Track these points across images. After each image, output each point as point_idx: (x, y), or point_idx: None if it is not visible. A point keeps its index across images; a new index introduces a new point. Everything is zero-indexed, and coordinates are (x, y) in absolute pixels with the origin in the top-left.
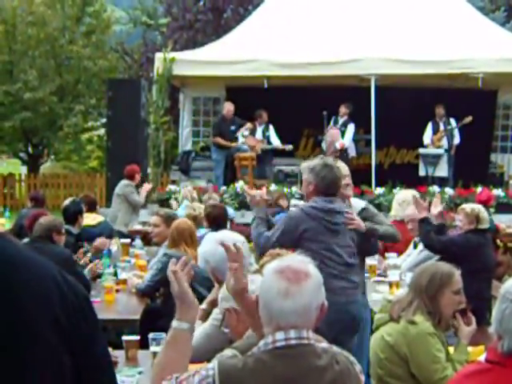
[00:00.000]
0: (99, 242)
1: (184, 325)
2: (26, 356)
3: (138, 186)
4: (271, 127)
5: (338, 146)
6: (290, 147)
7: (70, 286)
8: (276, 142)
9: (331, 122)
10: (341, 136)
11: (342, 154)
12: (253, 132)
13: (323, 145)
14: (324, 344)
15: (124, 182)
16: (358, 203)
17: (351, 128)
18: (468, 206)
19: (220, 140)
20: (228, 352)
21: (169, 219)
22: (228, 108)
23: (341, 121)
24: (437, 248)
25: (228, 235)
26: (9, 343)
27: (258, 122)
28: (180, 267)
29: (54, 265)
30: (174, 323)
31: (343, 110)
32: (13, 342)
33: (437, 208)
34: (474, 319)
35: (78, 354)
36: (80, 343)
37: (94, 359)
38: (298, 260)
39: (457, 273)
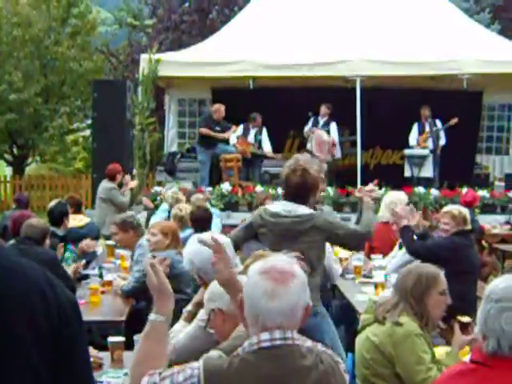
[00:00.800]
0: (85, 243)
1: (161, 317)
2: (3, 370)
3: (120, 186)
4: (264, 131)
5: (330, 141)
6: (278, 157)
7: (56, 292)
8: (267, 147)
9: (309, 123)
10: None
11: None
12: (245, 133)
13: (308, 146)
14: (308, 343)
15: (106, 184)
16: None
17: (334, 126)
18: (454, 209)
19: (208, 131)
20: (214, 353)
21: (124, 224)
22: (220, 110)
23: (322, 121)
24: (421, 253)
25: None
26: None
27: (251, 125)
28: (158, 262)
29: (41, 269)
30: (152, 316)
31: (324, 110)
32: None
33: (403, 221)
34: (472, 332)
35: (57, 366)
36: (60, 354)
37: (73, 371)
38: (282, 260)
39: (441, 273)
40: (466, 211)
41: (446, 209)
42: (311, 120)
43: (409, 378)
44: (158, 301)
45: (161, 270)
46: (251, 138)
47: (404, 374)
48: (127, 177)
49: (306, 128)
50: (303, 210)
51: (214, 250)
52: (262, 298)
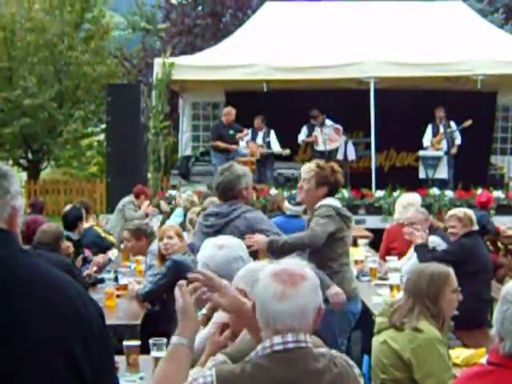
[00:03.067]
0: (99, 259)
1: (183, 340)
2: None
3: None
4: (272, 132)
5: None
6: (287, 152)
7: (89, 309)
8: (275, 147)
9: (304, 131)
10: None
11: (330, 154)
12: (253, 137)
13: (321, 147)
14: (322, 349)
15: (128, 198)
16: None
17: (330, 122)
18: (459, 211)
19: (220, 143)
20: (219, 357)
21: (138, 232)
22: (230, 113)
23: (318, 124)
24: None
25: (225, 239)
26: (10, 369)
27: (257, 128)
28: (190, 291)
29: (75, 284)
30: (174, 339)
31: (317, 114)
32: (16, 369)
33: (420, 238)
34: None
35: (86, 378)
36: (92, 372)
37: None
38: (293, 263)
39: (452, 271)
40: (471, 212)
41: (451, 212)
42: (305, 128)
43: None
44: (182, 323)
45: (187, 292)
46: (259, 140)
47: (434, 382)
48: (146, 203)
49: (302, 136)
50: None
51: (203, 284)
52: (271, 300)
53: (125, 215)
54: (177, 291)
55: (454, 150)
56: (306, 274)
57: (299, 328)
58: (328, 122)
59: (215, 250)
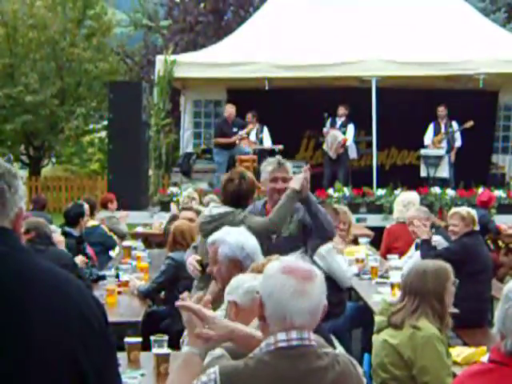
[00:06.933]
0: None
1: (195, 350)
2: None
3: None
4: (265, 129)
5: (340, 140)
6: (279, 148)
7: (89, 306)
8: (267, 143)
9: (327, 124)
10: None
11: (342, 154)
12: (247, 134)
13: (324, 147)
14: (326, 348)
15: (104, 213)
16: None
17: (351, 128)
18: (462, 210)
19: (221, 140)
20: (217, 351)
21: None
22: (230, 111)
23: (339, 122)
24: None
25: (244, 231)
26: (11, 369)
27: (251, 124)
28: (197, 299)
29: (83, 290)
30: (185, 349)
31: (342, 110)
32: (16, 367)
33: (426, 234)
34: None
35: (90, 380)
36: (94, 371)
37: None
38: (300, 260)
39: (448, 265)
40: (474, 212)
41: (454, 210)
42: (329, 121)
43: (436, 382)
44: (190, 334)
45: (190, 305)
46: (253, 136)
47: (428, 379)
48: (122, 212)
49: (325, 129)
50: None
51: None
52: (291, 297)
53: (114, 230)
54: (179, 305)
55: (452, 153)
56: (316, 270)
57: (309, 325)
58: (350, 128)
59: (247, 235)
